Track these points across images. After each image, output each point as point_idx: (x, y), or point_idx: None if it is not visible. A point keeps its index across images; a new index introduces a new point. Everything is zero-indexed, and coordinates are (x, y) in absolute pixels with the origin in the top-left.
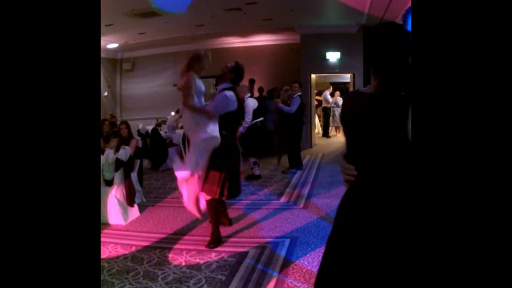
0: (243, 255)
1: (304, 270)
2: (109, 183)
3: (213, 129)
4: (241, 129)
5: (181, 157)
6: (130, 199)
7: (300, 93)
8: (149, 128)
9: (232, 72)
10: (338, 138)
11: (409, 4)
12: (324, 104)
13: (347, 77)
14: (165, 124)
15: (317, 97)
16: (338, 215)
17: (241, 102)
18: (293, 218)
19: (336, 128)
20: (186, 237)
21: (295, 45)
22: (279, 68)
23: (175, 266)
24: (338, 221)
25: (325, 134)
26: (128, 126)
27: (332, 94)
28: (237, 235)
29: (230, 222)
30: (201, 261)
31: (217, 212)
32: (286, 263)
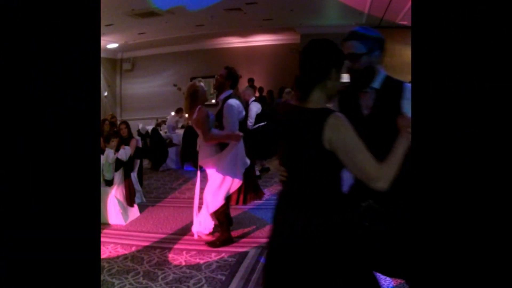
0: (243, 255)
1: None
2: (109, 183)
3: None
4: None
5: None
6: (130, 199)
7: None
8: (149, 128)
9: (228, 79)
10: None
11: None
12: None
13: (346, 77)
14: (165, 124)
15: None
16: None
17: (244, 106)
18: None
19: None
20: (186, 237)
21: (295, 45)
22: (279, 68)
23: (175, 266)
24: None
25: None
26: (128, 126)
27: None
28: (237, 235)
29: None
30: (201, 261)
31: (228, 215)
32: None
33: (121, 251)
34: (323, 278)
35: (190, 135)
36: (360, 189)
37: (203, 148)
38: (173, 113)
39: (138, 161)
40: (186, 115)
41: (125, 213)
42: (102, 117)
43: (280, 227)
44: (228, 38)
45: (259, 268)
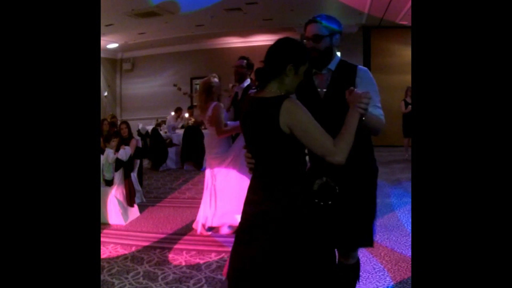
0: None
1: None
2: (109, 183)
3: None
4: None
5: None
6: (130, 199)
7: None
8: (149, 128)
9: (250, 68)
10: None
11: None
12: None
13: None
14: (165, 124)
15: None
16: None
17: None
18: None
19: None
20: (186, 237)
21: None
22: None
23: (175, 266)
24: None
25: None
26: (128, 126)
27: None
28: None
29: None
30: (201, 261)
31: None
32: None
33: (121, 251)
34: (284, 242)
35: (190, 135)
36: (316, 168)
37: (212, 150)
38: (173, 113)
39: (138, 161)
40: (199, 111)
41: (125, 213)
42: (102, 117)
43: (247, 205)
44: (228, 38)
45: None
